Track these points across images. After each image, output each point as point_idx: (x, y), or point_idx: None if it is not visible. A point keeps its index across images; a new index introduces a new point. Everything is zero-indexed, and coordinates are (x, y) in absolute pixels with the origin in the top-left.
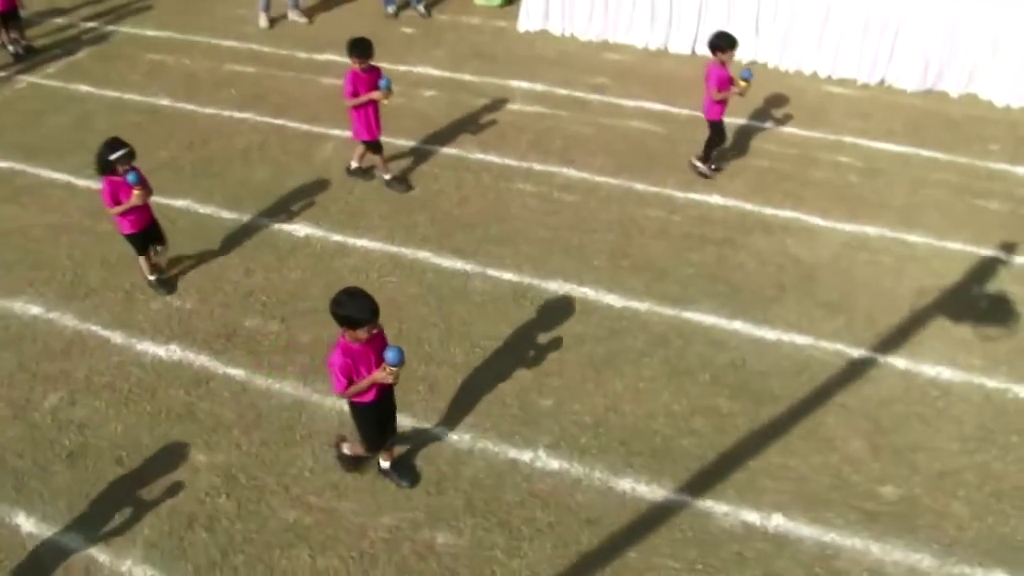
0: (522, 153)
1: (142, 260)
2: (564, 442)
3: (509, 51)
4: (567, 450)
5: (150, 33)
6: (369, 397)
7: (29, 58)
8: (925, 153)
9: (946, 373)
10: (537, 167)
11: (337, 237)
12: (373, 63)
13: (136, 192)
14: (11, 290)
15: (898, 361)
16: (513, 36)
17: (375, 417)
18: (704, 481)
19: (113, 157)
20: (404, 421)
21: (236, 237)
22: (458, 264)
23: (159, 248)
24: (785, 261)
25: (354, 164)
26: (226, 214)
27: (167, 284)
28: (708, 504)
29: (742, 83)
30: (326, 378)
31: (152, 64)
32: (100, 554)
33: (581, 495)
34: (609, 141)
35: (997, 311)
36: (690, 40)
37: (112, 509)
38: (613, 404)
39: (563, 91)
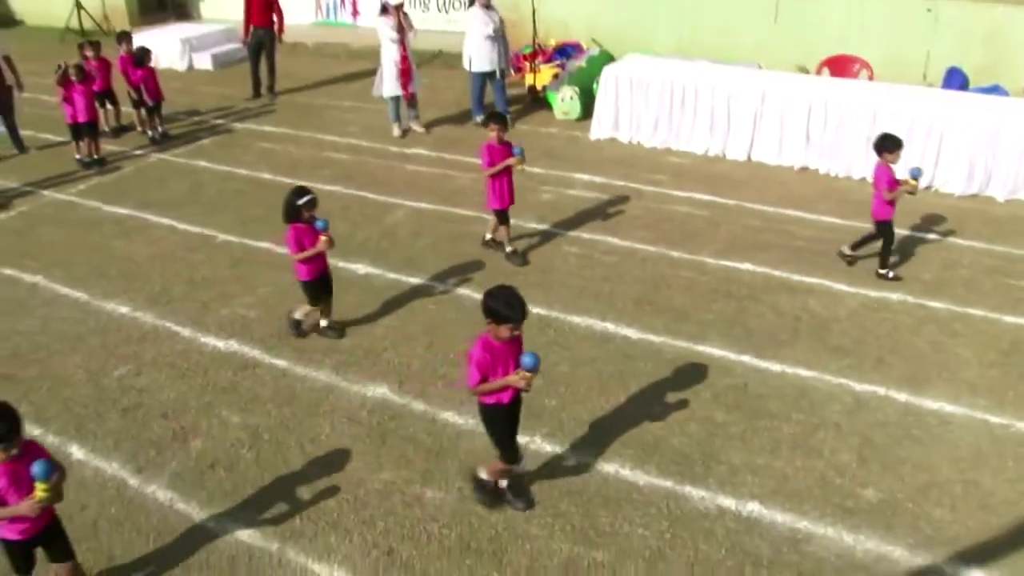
0: (572, 224)
1: (313, 309)
2: (560, 432)
3: (577, 153)
4: (561, 438)
5: (267, 128)
6: (504, 398)
7: (163, 143)
8: (963, 242)
9: (948, 407)
10: (584, 235)
11: (392, 275)
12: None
13: (323, 238)
14: (108, 294)
15: (900, 395)
16: (584, 143)
17: (507, 420)
18: (686, 471)
19: (300, 202)
20: (420, 405)
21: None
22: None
23: (329, 300)
24: (803, 314)
25: (488, 236)
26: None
27: (338, 328)
28: (687, 489)
29: (912, 181)
30: (357, 369)
31: (263, 150)
32: (131, 478)
33: (567, 473)
34: (656, 220)
35: (1010, 364)
36: (746, 146)
37: (150, 448)
38: (613, 410)
39: (620, 183)
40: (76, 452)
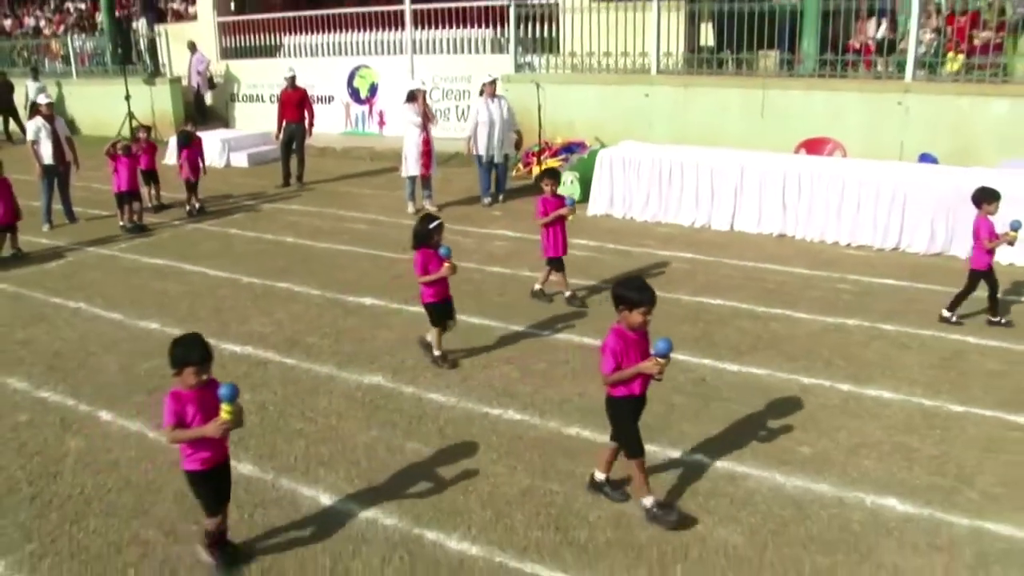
0: (569, 274)
1: (434, 332)
2: (532, 407)
3: (576, 226)
4: (532, 411)
5: (293, 207)
6: (635, 390)
7: (199, 216)
8: (921, 285)
9: (887, 395)
10: (575, 281)
11: (395, 305)
12: None
13: (446, 264)
14: (141, 316)
15: (844, 386)
16: (582, 219)
17: (635, 412)
18: (643, 434)
19: (431, 227)
20: (409, 388)
21: (322, 304)
22: (488, 321)
23: (451, 323)
24: (764, 333)
25: (537, 286)
26: (315, 291)
27: (450, 360)
28: None
29: (1012, 233)
30: (359, 363)
31: (289, 221)
32: (150, 433)
33: (533, 433)
34: (639, 268)
35: (949, 366)
36: (729, 217)
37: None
38: (581, 392)
39: (611, 246)
40: (104, 415)
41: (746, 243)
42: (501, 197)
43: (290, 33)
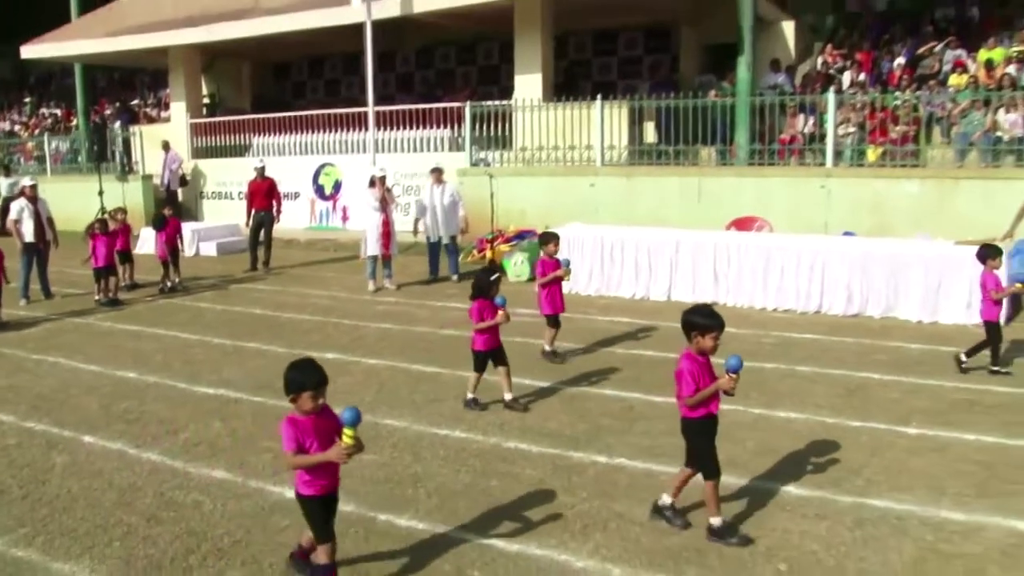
0: (514, 334)
1: (474, 377)
2: (475, 429)
3: (524, 299)
4: (476, 431)
5: (260, 287)
6: (713, 409)
7: (172, 293)
8: (836, 338)
9: (794, 415)
10: (518, 339)
11: (355, 358)
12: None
13: (500, 313)
14: (118, 368)
15: (755, 410)
16: (530, 293)
17: (713, 431)
18: (572, 445)
19: (492, 279)
20: (391, 422)
21: (289, 358)
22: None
23: (502, 368)
24: None
25: (547, 347)
26: (282, 349)
27: (479, 404)
28: (570, 453)
29: (1018, 285)
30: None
31: (256, 298)
32: (131, 450)
33: (476, 446)
34: (579, 331)
35: (853, 395)
36: (665, 289)
37: (147, 436)
38: (519, 417)
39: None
40: (87, 438)
41: (681, 310)
42: (455, 277)
43: (259, 134)
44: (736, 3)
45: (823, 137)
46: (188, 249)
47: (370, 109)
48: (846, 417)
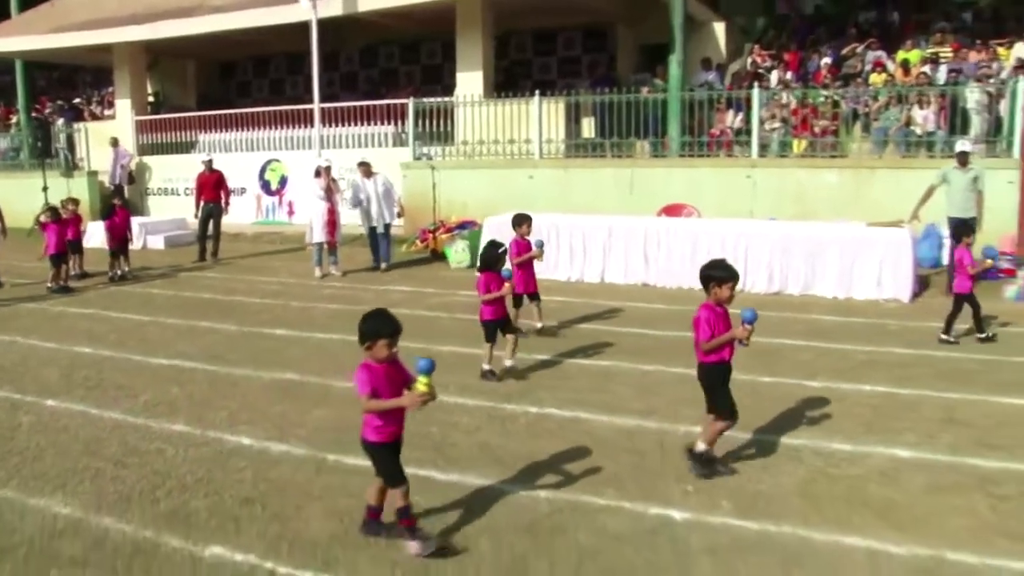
0: (454, 310)
1: (487, 348)
2: None
3: (465, 283)
4: None
5: (210, 274)
6: (726, 356)
7: (122, 281)
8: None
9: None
10: (460, 315)
11: (306, 334)
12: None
13: (506, 285)
14: (74, 344)
15: (678, 368)
16: (471, 278)
17: (726, 377)
18: (507, 399)
19: (500, 251)
20: (336, 383)
21: (240, 335)
22: None
23: (510, 336)
24: (620, 342)
25: (538, 325)
26: (233, 327)
27: (495, 376)
28: (504, 405)
29: (988, 261)
30: (272, 368)
31: (206, 284)
32: (93, 410)
33: None
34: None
35: (767, 356)
36: (599, 272)
37: (109, 400)
38: (458, 381)
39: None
40: (50, 402)
41: (614, 291)
42: (384, 266)
43: (205, 131)
44: (669, 5)
45: (751, 131)
46: (135, 242)
47: (316, 106)
48: (758, 374)
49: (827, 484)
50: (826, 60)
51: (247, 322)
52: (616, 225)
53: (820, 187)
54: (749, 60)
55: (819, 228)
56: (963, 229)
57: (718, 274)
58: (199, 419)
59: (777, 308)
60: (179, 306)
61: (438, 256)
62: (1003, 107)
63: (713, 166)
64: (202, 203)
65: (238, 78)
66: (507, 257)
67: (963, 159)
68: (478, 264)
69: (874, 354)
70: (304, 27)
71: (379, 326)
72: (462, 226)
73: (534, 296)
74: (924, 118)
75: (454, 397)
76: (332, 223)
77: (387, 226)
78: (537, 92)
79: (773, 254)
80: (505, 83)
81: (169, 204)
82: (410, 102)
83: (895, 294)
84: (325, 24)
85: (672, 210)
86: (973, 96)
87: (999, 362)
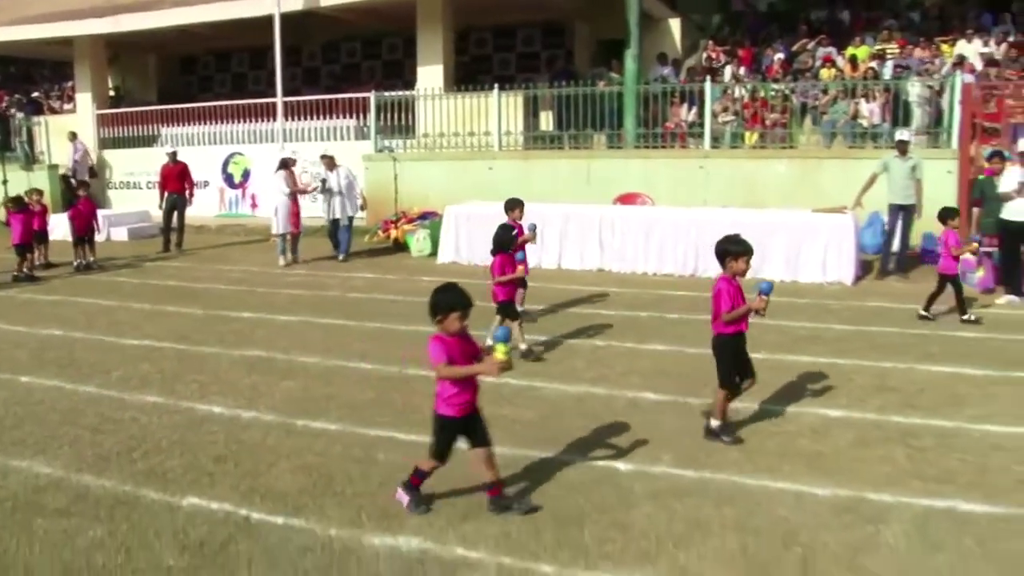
0: (416, 294)
1: (515, 327)
2: (380, 360)
3: (427, 270)
4: (376, 361)
5: (175, 264)
6: (743, 327)
7: (88, 271)
8: (706, 294)
9: (660, 347)
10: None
11: (271, 316)
12: None
13: (520, 267)
14: (44, 327)
15: (628, 343)
16: (433, 265)
17: (739, 349)
18: None
19: (514, 233)
20: (303, 359)
21: (207, 318)
22: (346, 321)
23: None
24: (577, 321)
25: (518, 307)
26: (199, 311)
27: (534, 354)
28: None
29: (974, 244)
30: (240, 346)
31: (171, 273)
32: (67, 385)
33: (379, 374)
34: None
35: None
36: (556, 258)
37: (81, 376)
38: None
39: (456, 280)
40: (23, 379)
41: (571, 276)
42: (341, 257)
43: (167, 124)
44: (625, 1)
45: (704, 124)
46: (99, 234)
47: (279, 100)
48: (704, 348)
49: (762, 439)
50: (779, 56)
51: (213, 306)
52: (573, 213)
53: (770, 177)
54: (704, 56)
55: (767, 215)
56: (947, 212)
57: (734, 248)
58: (171, 391)
59: None
60: (145, 292)
61: (400, 246)
62: (945, 101)
63: (667, 157)
64: (166, 194)
65: (200, 73)
66: (517, 240)
67: (903, 148)
68: (491, 247)
69: (815, 330)
70: (266, 22)
71: (453, 299)
72: (423, 216)
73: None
74: (870, 111)
75: (414, 370)
76: (296, 214)
77: (350, 218)
78: (496, 86)
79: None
80: (465, 78)
81: (131, 198)
82: (372, 96)
83: (838, 277)
84: (287, 19)
85: (627, 199)
86: (915, 90)
87: (929, 336)
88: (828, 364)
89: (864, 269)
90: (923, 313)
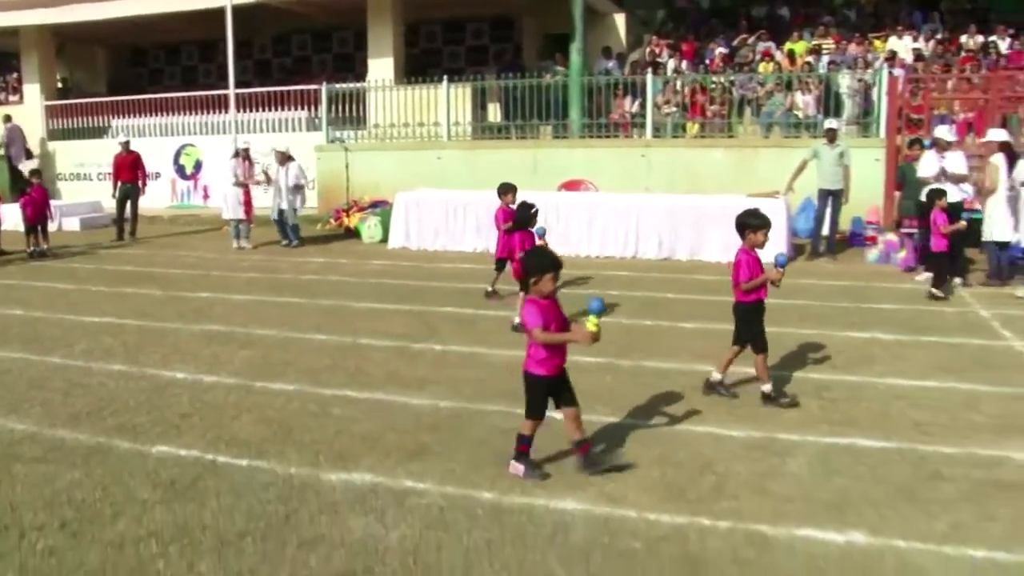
0: (367, 276)
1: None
2: (351, 333)
3: (378, 255)
4: (347, 335)
5: (129, 251)
6: (762, 295)
7: (43, 258)
8: (646, 275)
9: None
10: (372, 280)
11: (227, 296)
12: None
13: (540, 242)
14: (4, 307)
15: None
16: (384, 251)
17: (760, 314)
18: None
19: (533, 211)
20: (259, 331)
21: (165, 298)
22: (299, 299)
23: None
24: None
25: (490, 288)
26: (158, 292)
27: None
28: None
29: (963, 223)
30: (200, 322)
31: (127, 259)
32: (33, 357)
33: (332, 343)
34: (426, 274)
35: (653, 306)
36: None
37: (43, 349)
38: (375, 327)
39: (405, 263)
40: None
41: (517, 259)
42: (295, 243)
43: (118, 116)
44: None
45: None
46: (51, 224)
47: (231, 91)
48: (640, 319)
49: (692, 394)
50: (720, 50)
51: (170, 288)
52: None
53: (709, 165)
54: (648, 50)
55: (704, 200)
56: (935, 193)
57: (753, 221)
58: (135, 360)
59: (666, 271)
60: (102, 277)
61: (352, 234)
62: (875, 93)
63: (611, 146)
64: (119, 184)
65: (149, 65)
66: (537, 217)
67: (831, 135)
68: (510, 226)
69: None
70: (216, 14)
71: (546, 261)
72: (375, 205)
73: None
74: (805, 103)
75: (367, 339)
76: (247, 202)
77: (294, 211)
78: (445, 78)
79: (662, 224)
80: (415, 71)
81: (82, 190)
82: (323, 87)
83: (772, 257)
84: (238, 12)
85: (571, 185)
86: (845, 82)
87: (852, 308)
88: None
89: (797, 251)
90: (937, 294)
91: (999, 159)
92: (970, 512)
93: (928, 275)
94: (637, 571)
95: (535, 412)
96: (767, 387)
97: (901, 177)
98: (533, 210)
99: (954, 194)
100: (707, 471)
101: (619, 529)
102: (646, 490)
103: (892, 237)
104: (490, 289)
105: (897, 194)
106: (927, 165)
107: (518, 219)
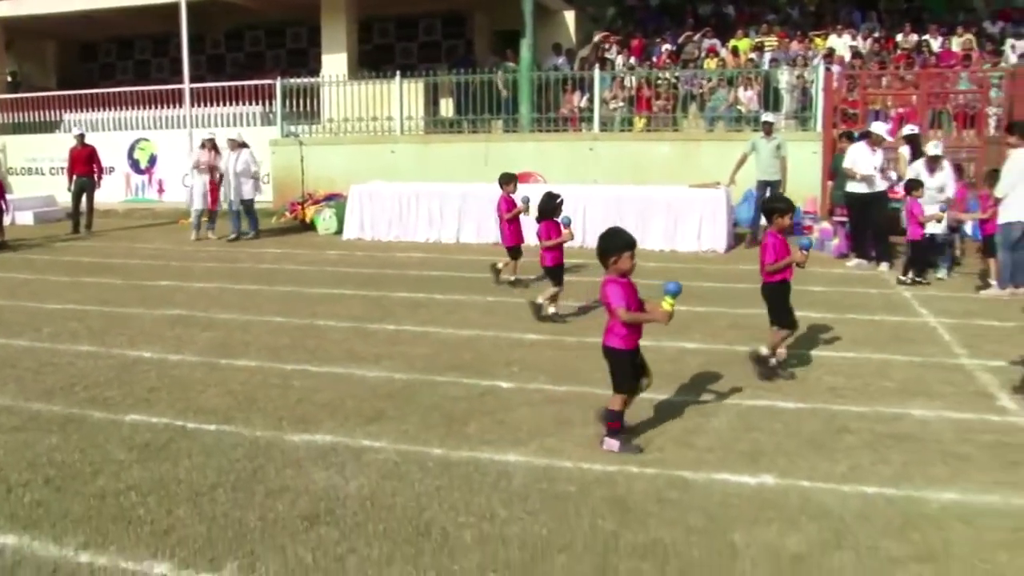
0: (325, 264)
1: (551, 291)
2: (334, 318)
3: (333, 246)
4: (331, 319)
5: (85, 244)
6: (788, 276)
7: None
8: (590, 262)
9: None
10: (329, 268)
11: (186, 284)
12: None
13: (565, 231)
14: None
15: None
16: (340, 242)
17: (787, 293)
18: None
19: (557, 201)
20: (226, 316)
21: (126, 287)
22: (259, 287)
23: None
24: (464, 284)
25: (511, 277)
26: (118, 281)
27: (561, 317)
28: None
29: (940, 213)
30: (161, 307)
31: (84, 251)
32: (16, 341)
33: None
34: (379, 264)
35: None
36: (454, 233)
37: (12, 333)
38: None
39: (360, 253)
40: None
41: (469, 249)
42: (249, 235)
43: (70, 110)
44: None
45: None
46: (5, 217)
47: (186, 86)
48: (573, 301)
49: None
50: (667, 47)
51: (130, 277)
52: (470, 192)
53: (655, 157)
54: (596, 44)
55: (648, 190)
56: (912, 183)
57: (780, 206)
58: (101, 342)
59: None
60: (62, 267)
61: (307, 226)
62: (813, 89)
63: (560, 140)
64: (75, 177)
65: (101, 60)
66: (561, 207)
67: (768, 128)
68: (536, 214)
69: (687, 287)
70: (169, 9)
71: (622, 240)
72: (329, 198)
73: (518, 250)
74: (748, 98)
75: (324, 320)
76: (213, 192)
77: (243, 202)
78: (398, 72)
79: (608, 213)
80: (368, 66)
81: (34, 184)
82: (278, 82)
83: (712, 245)
84: (191, 7)
85: (521, 177)
86: (784, 78)
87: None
88: (689, 311)
89: (738, 240)
90: (917, 279)
91: (905, 150)
92: (868, 457)
93: (859, 261)
94: (570, 509)
95: (624, 386)
96: (764, 350)
97: (834, 168)
98: (558, 200)
99: (880, 184)
100: (640, 428)
101: (556, 476)
102: (582, 446)
103: (826, 225)
104: (512, 279)
105: (830, 184)
106: (856, 158)
107: (543, 209)
